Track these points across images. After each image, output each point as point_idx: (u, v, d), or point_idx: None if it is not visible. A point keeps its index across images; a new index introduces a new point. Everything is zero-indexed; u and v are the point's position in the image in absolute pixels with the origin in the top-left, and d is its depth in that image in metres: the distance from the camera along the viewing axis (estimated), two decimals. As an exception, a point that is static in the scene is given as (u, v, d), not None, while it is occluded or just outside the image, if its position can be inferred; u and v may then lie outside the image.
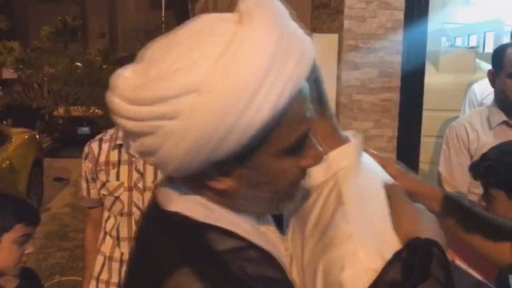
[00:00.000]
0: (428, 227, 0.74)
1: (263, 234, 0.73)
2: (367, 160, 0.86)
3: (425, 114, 3.15)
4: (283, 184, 0.69)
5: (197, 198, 0.70)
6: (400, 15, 1.99)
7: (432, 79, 3.52)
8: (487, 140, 1.92)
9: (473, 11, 5.53)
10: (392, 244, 0.70)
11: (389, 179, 0.85)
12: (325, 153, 0.76)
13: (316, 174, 0.79)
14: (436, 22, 5.04)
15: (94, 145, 1.89)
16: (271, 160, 0.65)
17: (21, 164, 5.31)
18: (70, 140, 9.01)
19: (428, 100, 3.28)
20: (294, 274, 0.77)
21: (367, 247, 0.69)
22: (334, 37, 1.90)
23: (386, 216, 0.74)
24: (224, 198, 0.69)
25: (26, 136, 5.90)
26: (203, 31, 0.60)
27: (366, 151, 0.88)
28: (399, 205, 0.76)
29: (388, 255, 0.68)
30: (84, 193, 1.92)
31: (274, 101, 0.58)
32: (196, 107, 0.57)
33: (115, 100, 0.63)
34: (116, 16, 18.92)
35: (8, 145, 5.33)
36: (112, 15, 19.61)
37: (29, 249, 1.55)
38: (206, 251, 0.64)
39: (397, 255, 0.68)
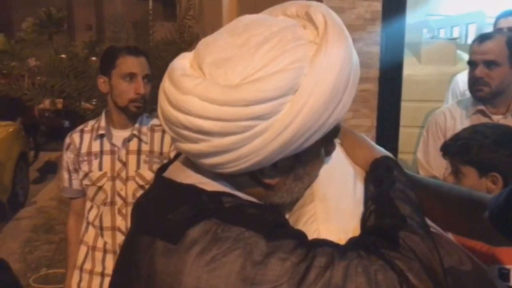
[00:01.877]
0: (378, 148, 0.85)
1: None
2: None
3: (407, 105, 3.19)
4: (316, 173, 0.76)
5: (219, 185, 0.71)
6: (378, 6, 2.01)
7: (414, 70, 3.57)
8: (462, 128, 1.97)
9: (456, 3, 5.59)
10: (355, 218, 0.75)
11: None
12: None
13: None
14: (420, 14, 5.09)
15: (76, 135, 1.91)
16: (316, 153, 0.72)
17: (5, 157, 5.28)
18: (56, 133, 8.95)
19: (410, 91, 3.33)
20: None
21: (329, 224, 0.73)
22: (313, 28, 1.91)
23: (351, 192, 0.79)
24: (264, 191, 0.72)
25: (11, 129, 5.85)
26: (283, 35, 0.64)
27: None
28: (350, 141, 0.86)
29: (350, 229, 0.73)
30: (66, 183, 1.93)
31: (351, 101, 0.66)
32: (296, 106, 0.60)
33: (194, 101, 0.61)
34: (102, 8, 18.71)
35: (-8, 139, 5.28)
36: (98, 6, 19.37)
37: None
38: (222, 207, 0.66)
39: (366, 178, 0.80)
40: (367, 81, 2.09)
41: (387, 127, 2.10)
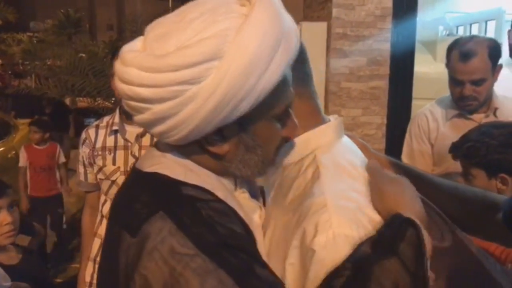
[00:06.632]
0: (411, 206, 0.75)
1: (234, 199, 0.79)
2: (347, 140, 0.92)
3: (421, 103, 3.16)
4: (271, 148, 0.78)
5: (181, 161, 0.76)
6: (389, 3, 2.00)
7: (429, 68, 3.54)
8: (444, 130, 1.95)
9: (475, 0, 5.50)
10: (367, 215, 0.75)
11: (364, 158, 0.91)
12: (305, 131, 0.85)
13: (296, 152, 0.85)
14: (438, 11, 5.03)
15: (91, 131, 1.96)
16: (266, 125, 0.75)
17: (27, 154, 5.39)
18: (77, 130, 9.10)
19: (425, 89, 3.29)
20: (261, 242, 0.82)
21: (341, 215, 0.73)
22: (323, 25, 1.93)
23: (362, 190, 0.79)
24: (218, 162, 0.76)
25: (32, 127, 5.98)
26: (216, 10, 0.68)
27: (346, 134, 0.93)
28: (381, 183, 0.79)
29: (362, 224, 0.73)
30: (82, 177, 1.99)
31: (282, 69, 0.68)
32: (221, 71, 0.65)
33: (132, 71, 0.68)
34: (123, 8, 18.96)
35: (14, 136, 5.43)
36: (120, 6, 19.64)
37: (6, 219, 1.66)
38: (179, 199, 0.71)
39: (377, 230, 0.72)
40: (378, 78, 2.09)
41: (398, 125, 2.09)
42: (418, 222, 0.70)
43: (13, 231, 1.69)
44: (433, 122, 2.02)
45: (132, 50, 0.71)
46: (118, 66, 0.71)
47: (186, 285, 0.64)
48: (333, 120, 0.90)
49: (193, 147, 0.75)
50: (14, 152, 5.14)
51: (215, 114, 0.67)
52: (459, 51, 1.87)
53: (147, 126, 0.74)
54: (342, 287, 0.67)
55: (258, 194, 0.90)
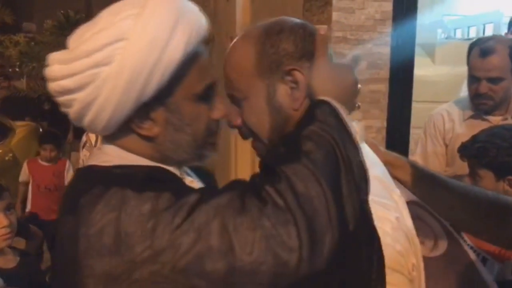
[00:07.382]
0: (331, 93, 0.79)
1: None
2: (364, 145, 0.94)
3: (420, 106, 3.18)
4: (201, 127, 0.82)
5: (118, 153, 0.81)
6: (389, 7, 2.01)
7: (428, 71, 3.56)
8: (460, 131, 1.93)
9: (473, 3, 5.53)
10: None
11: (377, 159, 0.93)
12: None
13: None
14: (436, 14, 5.05)
15: (92, 134, 1.96)
16: (188, 103, 0.80)
17: (24, 157, 5.37)
18: (75, 133, 9.08)
19: (424, 92, 3.31)
20: None
21: None
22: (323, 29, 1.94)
23: (375, 191, 0.80)
24: (152, 145, 0.80)
25: (29, 130, 5.98)
26: (122, 6, 0.77)
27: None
28: (320, 63, 0.83)
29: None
30: (81, 181, 1.99)
31: (184, 44, 0.75)
32: (126, 50, 0.72)
33: (54, 67, 0.75)
34: (120, 10, 18.92)
35: (11, 138, 5.41)
36: (116, 8, 19.60)
37: (2, 222, 1.66)
38: (111, 177, 0.75)
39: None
40: (377, 81, 2.09)
41: (398, 129, 2.10)
42: (330, 100, 0.76)
43: (9, 233, 1.68)
44: (449, 122, 2.00)
45: (56, 54, 0.78)
46: (46, 69, 0.77)
47: (123, 221, 0.66)
48: (355, 124, 0.92)
49: (126, 135, 0.80)
50: (11, 154, 5.13)
51: (129, 92, 0.73)
52: (479, 48, 1.85)
53: (79, 120, 0.78)
54: (278, 160, 0.71)
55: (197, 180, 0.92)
